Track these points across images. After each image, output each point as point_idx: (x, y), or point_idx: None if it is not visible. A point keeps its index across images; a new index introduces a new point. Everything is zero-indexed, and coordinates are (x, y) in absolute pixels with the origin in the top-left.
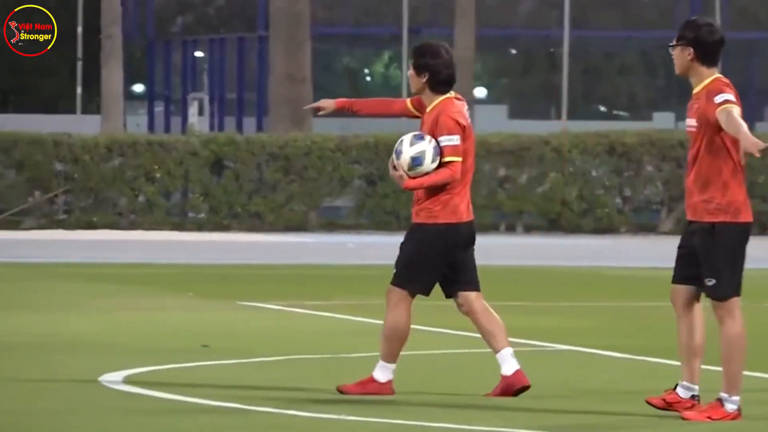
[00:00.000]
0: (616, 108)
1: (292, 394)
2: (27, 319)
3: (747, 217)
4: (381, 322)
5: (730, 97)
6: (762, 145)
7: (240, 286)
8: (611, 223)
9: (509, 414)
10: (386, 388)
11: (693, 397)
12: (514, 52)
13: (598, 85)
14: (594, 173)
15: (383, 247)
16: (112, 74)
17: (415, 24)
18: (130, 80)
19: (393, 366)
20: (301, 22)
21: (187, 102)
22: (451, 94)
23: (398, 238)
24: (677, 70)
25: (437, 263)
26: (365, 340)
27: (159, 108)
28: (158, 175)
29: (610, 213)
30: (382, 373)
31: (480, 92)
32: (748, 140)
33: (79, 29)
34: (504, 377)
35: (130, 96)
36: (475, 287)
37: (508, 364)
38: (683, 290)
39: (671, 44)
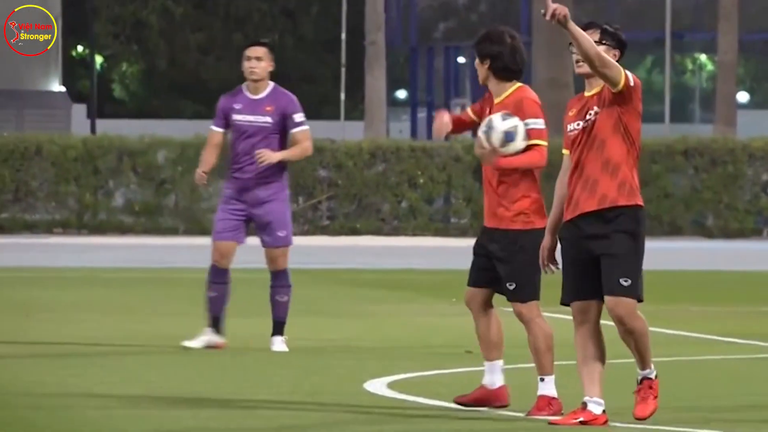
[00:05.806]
0: None
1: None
2: (293, 324)
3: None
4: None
5: None
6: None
7: None
8: None
9: None
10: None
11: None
12: None
13: None
14: None
15: None
16: (376, 80)
17: (678, 28)
18: (392, 86)
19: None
20: None
21: (449, 107)
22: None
23: None
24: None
25: None
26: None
27: (422, 114)
28: (421, 181)
29: None
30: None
31: (743, 96)
32: None
33: (343, 35)
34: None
35: (392, 102)
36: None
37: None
38: None
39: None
